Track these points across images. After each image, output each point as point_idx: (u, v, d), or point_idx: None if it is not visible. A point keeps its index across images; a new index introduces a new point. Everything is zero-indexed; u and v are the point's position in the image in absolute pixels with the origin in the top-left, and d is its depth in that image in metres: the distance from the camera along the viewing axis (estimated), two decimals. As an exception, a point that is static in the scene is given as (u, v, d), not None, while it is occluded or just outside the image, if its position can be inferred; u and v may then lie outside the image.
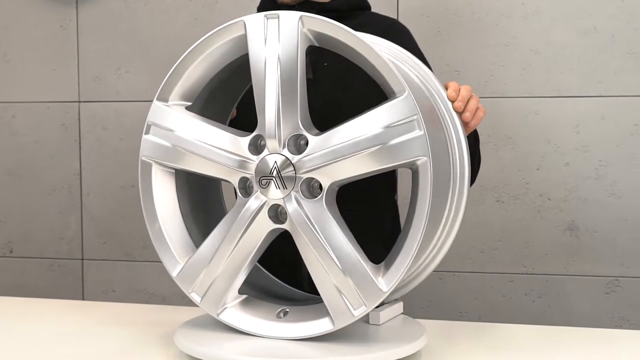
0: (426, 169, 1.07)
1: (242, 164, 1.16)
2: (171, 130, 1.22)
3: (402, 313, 1.32)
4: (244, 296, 1.23)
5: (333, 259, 1.11)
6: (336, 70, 1.51)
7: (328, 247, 1.11)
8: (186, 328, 1.25)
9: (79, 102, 2.47)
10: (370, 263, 1.13)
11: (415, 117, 1.07)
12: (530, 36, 2.17)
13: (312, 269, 1.13)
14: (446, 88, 1.23)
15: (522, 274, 2.23)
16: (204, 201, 1.37)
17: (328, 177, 1.12)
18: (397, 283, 1.09)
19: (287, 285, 1.35)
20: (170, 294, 2.45)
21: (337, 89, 1.53)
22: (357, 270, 1.11)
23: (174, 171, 1.27)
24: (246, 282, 1.25)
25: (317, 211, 1.12)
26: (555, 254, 2.20)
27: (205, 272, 1.20)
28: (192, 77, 1.23)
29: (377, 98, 1.54)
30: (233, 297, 1.21)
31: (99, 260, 2.49)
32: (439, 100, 1.21)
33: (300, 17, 1.13)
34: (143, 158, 1.25)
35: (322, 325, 1.14)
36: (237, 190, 1.18)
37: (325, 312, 1.14)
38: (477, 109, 1.21)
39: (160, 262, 2.35)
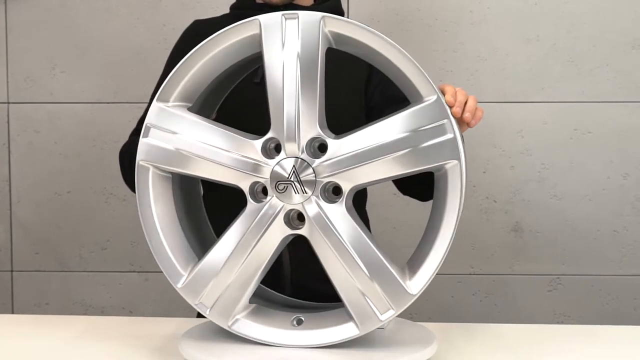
0: (456, 172, 1.09)
1: (256, 168, 1.13)
2: (174, 133, 1.17)
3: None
4: (253, 305, 1.19)
5: (358, 264, 1.10)
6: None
7: (353, 252, 1.10)
8: (191, 339, 1.20)
9: (8, 103, 2.31)
10: (395, 266, 1.12)
11: (445, 120, 1.09)
12: (477, 43, 2.24)
13: (334, 274, 1.11)
14: (442, 90, 1.23)
15: (469, 274, 2.29)
16: (193, 207, 1.32)
17: (349, 181, 1.11)
18: (426, 286, 1.10)
19: (275, 292, 1.32)
20: (109, 305, 2.35)
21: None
22: (384, 274, 1.10)
23: (170, 176, 1.21)
24: None
25: (338, 215, 1.11)
26: (501, 254, 2.28)
27: (214, 283, 1.15)
28: (195, 78, 1.18)
29: (360, 103, 1.55)
30: (244, 306, 1.17)
31: (30, 272, 2.34)
32: None
33: (322, 18, 1.11)
34: (141, 162, 1.18)
35: (346, 331, 1.12)
36: (247, 196, 1.14)
37: (345, 318, 1.13)
38: (476, 108, 1.22)
39: (98, 272, 2.25)
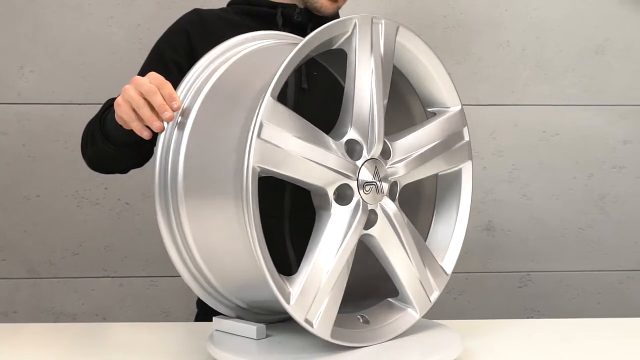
0: (469, 171, 1.27)
1: (347, 169, 1.08)
2: (285, 131, 1.03)
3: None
4: None
5: (419, 254, 1.17)
6: (326, 80, 1.51)
7: (415, 243, 1.17)
8: (244, 352, 1.11)
9: (-27, 103, 2.22)
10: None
11: (465, 127, 1.26)
12: (451, 47, 2.30)
13: (401, 268, 1.16)
14: None
15: (444, 273, 2.34)
16: None
17: (405, 180, 1.18)
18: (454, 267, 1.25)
19: None
20: (81, 312, 2.28)
21: (328, 99, 1.52)
22: (430, 260, 1.21)
23: None
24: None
25: (398, 211, 1.15)
26: (474, 253, 2.34)
27: (319, 295, 1.06)
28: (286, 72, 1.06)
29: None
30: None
31: (-3, 279, 2.25)
32: None
33: (398, 27, 1.16)
34: (256, 166, 0.98)
35: (409, 318, 1.18)
36: (331, 199, 1.09)
37: (400, 307, 1.19)
38: None
39: (70, 278, 2.17)
